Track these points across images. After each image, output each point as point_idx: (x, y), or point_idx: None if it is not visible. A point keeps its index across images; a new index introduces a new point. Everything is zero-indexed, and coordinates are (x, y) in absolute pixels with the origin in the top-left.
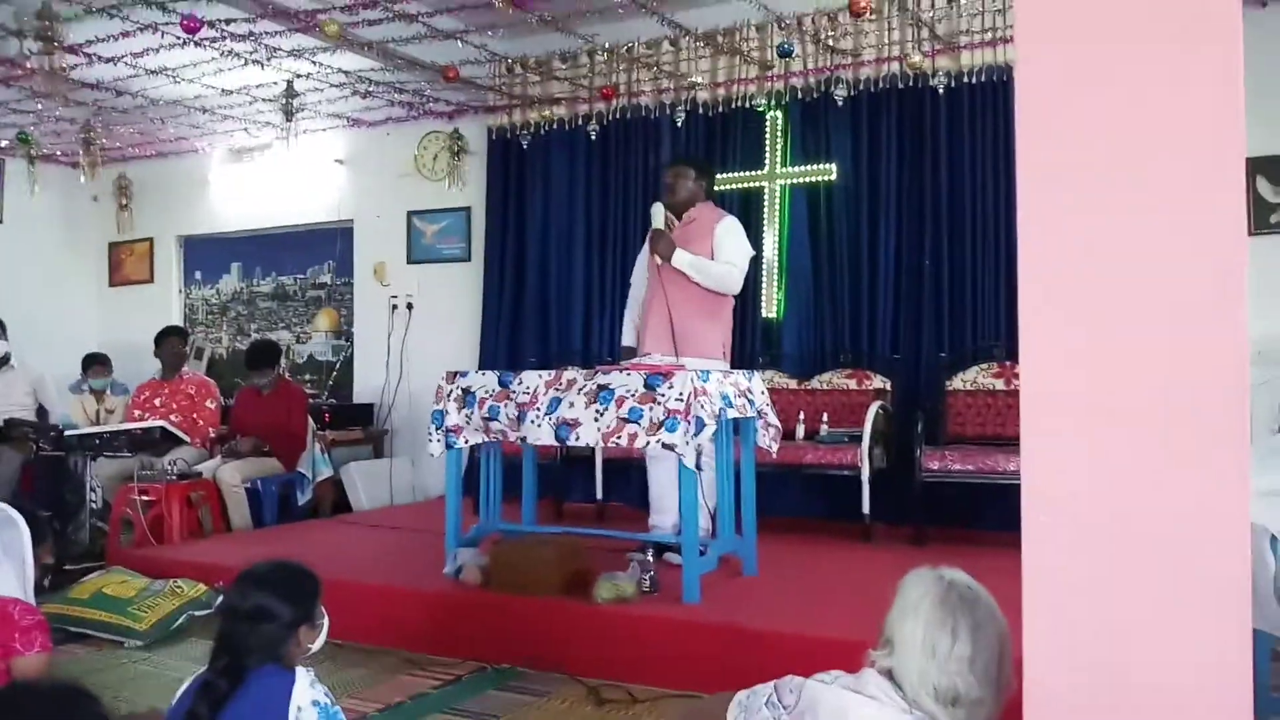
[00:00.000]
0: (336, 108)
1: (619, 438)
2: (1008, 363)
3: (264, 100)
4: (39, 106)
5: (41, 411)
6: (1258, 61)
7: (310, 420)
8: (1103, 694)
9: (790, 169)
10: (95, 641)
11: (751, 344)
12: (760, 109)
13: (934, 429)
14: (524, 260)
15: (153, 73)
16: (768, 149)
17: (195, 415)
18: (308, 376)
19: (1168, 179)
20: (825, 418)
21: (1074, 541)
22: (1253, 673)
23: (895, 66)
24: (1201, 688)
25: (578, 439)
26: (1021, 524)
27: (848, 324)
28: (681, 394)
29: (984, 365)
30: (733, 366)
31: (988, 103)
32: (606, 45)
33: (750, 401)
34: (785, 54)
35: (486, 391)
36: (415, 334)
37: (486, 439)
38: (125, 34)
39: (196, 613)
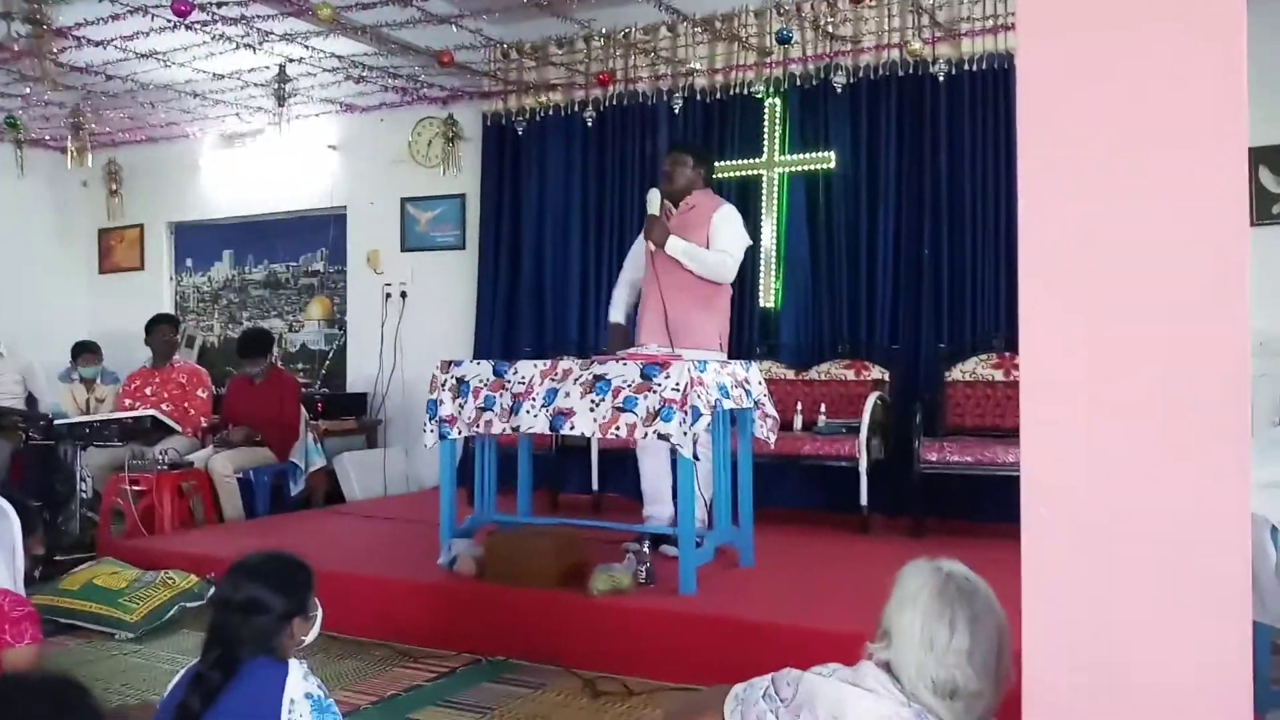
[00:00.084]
0: (329, 93)
1: (615, 428)
2: (1007, 353)
3: (256, 85)
4: (27, 90)
5: (31, 400)
6: (1261, 52)
7: (303, 410)
8: (1102, 690)
9: (789, 157)
10: (86, 633)
11: (749, 334)
12: (759, 96)
13: (932, 420)
14: (519, 248)
15: (143, 56)
16: (766, 137)
17: (187, 404)
18: (300, 365)
19: (1169, 170)
20: (823, 408)
21: (1073, 535)
22: (1253, 666)
23: (895, 53)
24: (1202, 681)
25: (573, 429)
26: (1021, 517)
27: (846, 314)
28: (678, 384)
29: (983, 356)
30: (730, 357)
31: (988, 91)
32: (603, 30)
33: (747, 392)
34: (784, 40)
35: (481, 381)
36: (409, 323)
37: (481, 429)
38: (115, 17)
39: (188, 604)
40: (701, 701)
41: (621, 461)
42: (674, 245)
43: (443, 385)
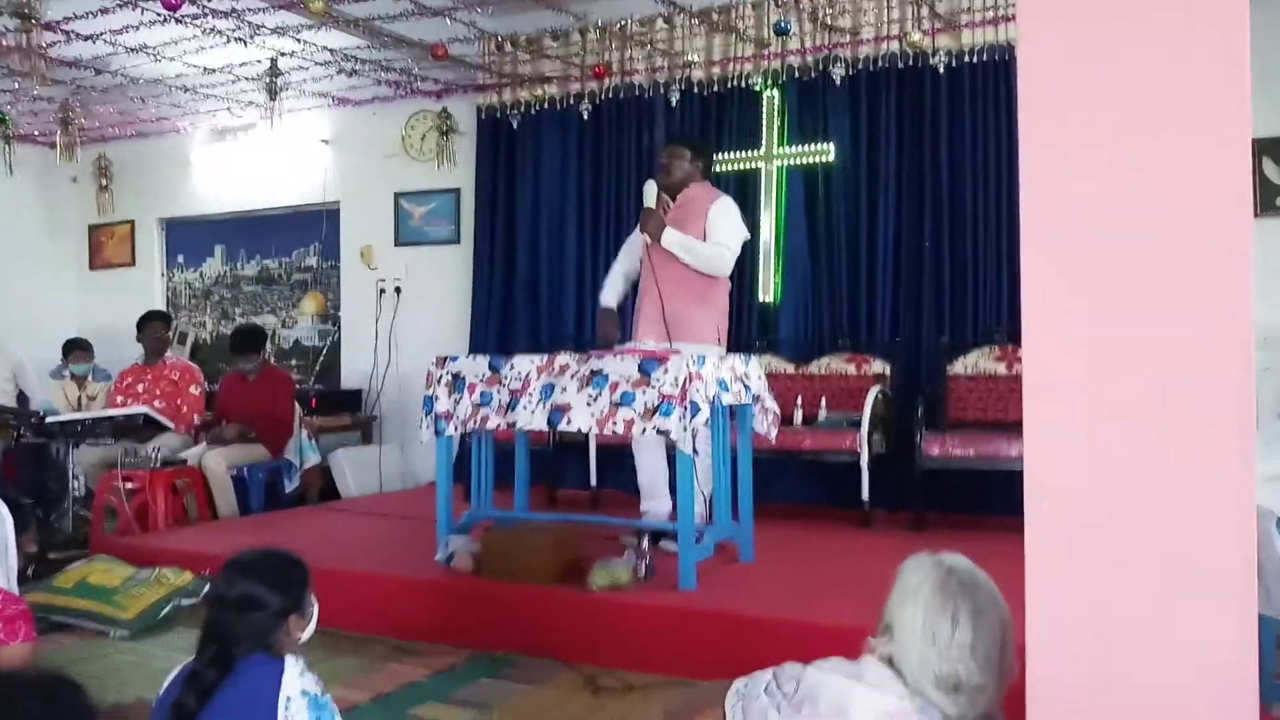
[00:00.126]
0: (321, 86)
1: (613, 423)
2: (1009, 346)
3: (247, 79)
4: (15, 85)
5: (22, 398)
6: (1268, 44)
7: (297, 406)
8: (1107, 685)
9: (787, 150)
10: (80, 631)
11: (748, 328)
12: (757, 88)
13: (934, 414)
14: (515, 242)
15: (133, 50)
16: (764, 129)
17: (179, 401)
18: (294, 362)
19: (1173, 162)
20: (824, 403)
21: (1076, 530)
22: (1259, 658)
23: (895, 45)
24: (1207, 676)
25: (570, 424)
26: (1025, 512)
27: (846, 307)
28: (677, 379)
29: (985, 349)
30: (729, 351)
31: (989, 82)
32: (599, 22)
33: (747, 387)
34: (782, 32)
35: (477, 377)
36: (404, 318)
37: (477, 425)
38: (104, 10)
39: (183, 601)
40: (702, 697)
41: (620, 457)
42: (669, 238)
43: (438, 381)
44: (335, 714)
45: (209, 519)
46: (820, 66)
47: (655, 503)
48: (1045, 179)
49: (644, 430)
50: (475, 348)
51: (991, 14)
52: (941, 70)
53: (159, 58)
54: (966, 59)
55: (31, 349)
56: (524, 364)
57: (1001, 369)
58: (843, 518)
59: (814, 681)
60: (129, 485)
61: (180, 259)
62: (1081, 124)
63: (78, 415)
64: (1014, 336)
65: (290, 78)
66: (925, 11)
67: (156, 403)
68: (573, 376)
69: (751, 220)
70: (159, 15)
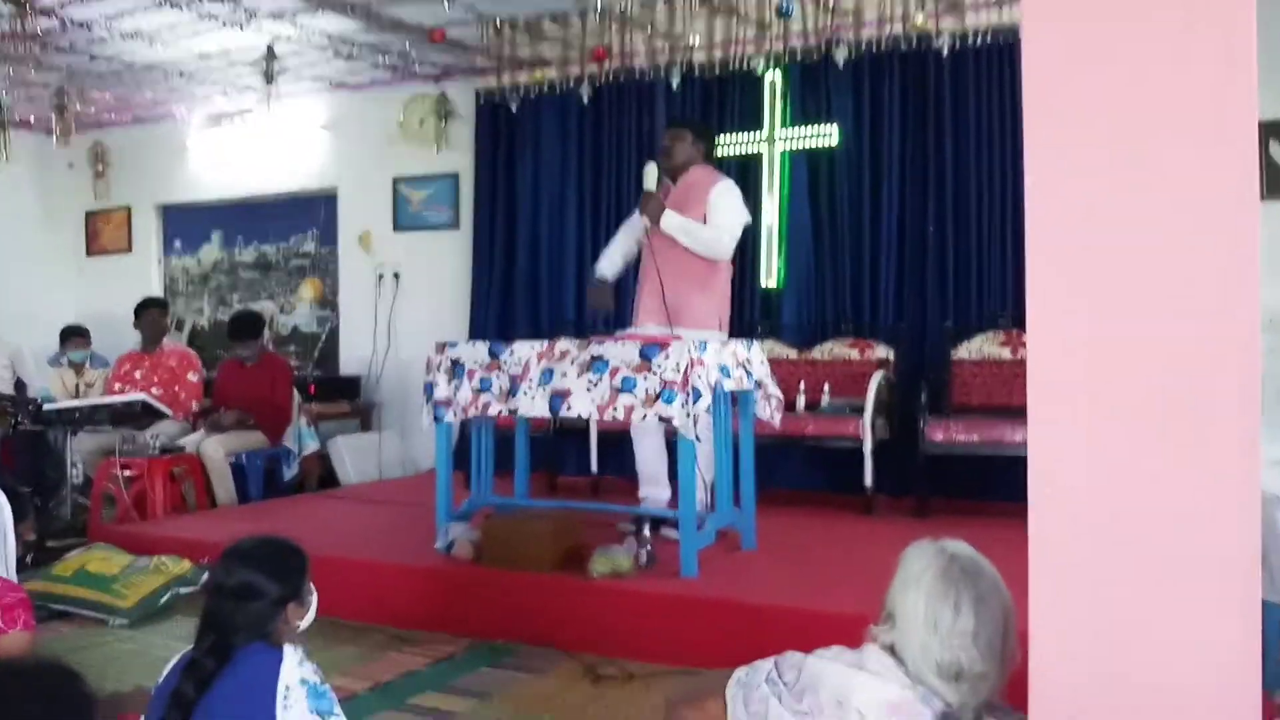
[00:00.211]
0: (318, 71)
1: (614, 409)
2: (1014, 330)
3: (243, 64)
4: (10, 70)
5: (20, 385)
6: (1275, 25)
7: (295, 393)
8: (1111, 676)
9: (790, 134)
10: (78, 619)
11: (750, 313)
12: (759, 71)
13: (938, 399)
14: (514, 227)
15: (128, 36)
16: (766, 113)
17: (177, 388)
18: (292, 348)
19: (1174, 161)
20: (827, 388)
21: (1078, 532)
22: (1263, 645)
23: (898, 28)
24: (1210, 667)
25: (570, 410)
26: (1028, 502)
27: (849, 292)
28: (678, 365)
29: (990, 333)
30: (731, 337)
31: (993, 65)
32: (598, 5)
33: (749, 372)
34: (784, 14)
35: (477, 363)
36: (403, 304)
37: (477, 411)
38: None
39: (181, 590)
40: (703, 685)
41: (621, 443)
42: (669, 221)
43: (438, 367)
44: (334, 703)
45: (207, 506)
46: (823, 49)
47: (654, 489)
48: (1047, 179)
49: (644, 416)
50: (475, 333)
51: None
52: (945, 53)
53: (154, 43)
54: (970, 42)
55: (29, 336)
56: (524, 349)
57: (1006, 353)
58: (846, 504)
59: (815, 670)
60: (127, 473)
61: (177, 245)
62: (1082, 124)
63: (75, 403)
64: (1019, 321)
65: (287, 62)
66: None
67: (154, 390)
68: (573, 362)
69: (754, 205)
70: (155, 0)
